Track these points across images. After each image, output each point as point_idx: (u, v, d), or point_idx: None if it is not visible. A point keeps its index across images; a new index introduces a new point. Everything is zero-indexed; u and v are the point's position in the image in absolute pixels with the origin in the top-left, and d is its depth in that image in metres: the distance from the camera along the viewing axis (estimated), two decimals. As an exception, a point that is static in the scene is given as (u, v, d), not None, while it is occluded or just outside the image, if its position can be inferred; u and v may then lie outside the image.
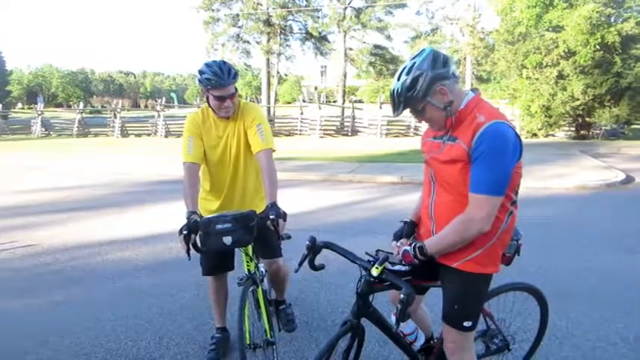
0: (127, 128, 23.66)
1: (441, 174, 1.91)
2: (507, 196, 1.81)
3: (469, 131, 1.77)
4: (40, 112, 24.68)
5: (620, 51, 16.05)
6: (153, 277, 4.44)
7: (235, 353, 2.95)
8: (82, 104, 27.55)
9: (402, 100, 1.81)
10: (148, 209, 7.37)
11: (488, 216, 1.75)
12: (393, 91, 1.83)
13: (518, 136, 1.78)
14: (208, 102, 2.63)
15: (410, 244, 1.91)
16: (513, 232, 2.04)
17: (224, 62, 2.58)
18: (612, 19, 16.85)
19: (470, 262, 1.88)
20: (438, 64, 1.77)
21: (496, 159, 1.71)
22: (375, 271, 1.83)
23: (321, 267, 2.03)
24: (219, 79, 2.49)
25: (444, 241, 1.84)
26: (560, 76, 17.05)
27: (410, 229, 2.16)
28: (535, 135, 18.44)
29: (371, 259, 1.91)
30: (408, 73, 1.78)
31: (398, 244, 2.03)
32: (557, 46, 16.61)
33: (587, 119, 18.24)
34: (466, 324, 1.94)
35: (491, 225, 1.81)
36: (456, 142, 1.82)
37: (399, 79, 1.80)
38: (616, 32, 15.63)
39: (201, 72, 2.54)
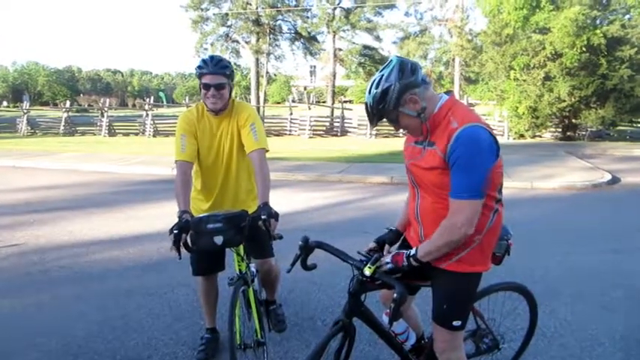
0: (115, 127, 23.39)
1: (421, 179, 1.93)
2: (490, 195, 1.83)
3: (444, 137, 1.79)
4: (25, 111, 24.29)
5: (606, 53, 16.27)
6: (141, 277, 4.40)
7: (225, 354, 2.93)
8: (68, 103, 27.20)
9: (375, 112, 1.84)
10: (137, 209, 7.30)
11: (469, 220, 1.76)
12: (366, 104, 1.85)
13: (493, 137, 1.79)
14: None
15: (398, 253, 1.91)
16: (503, 231, 2.06)
17: (220, 58, 2.68)
18: (598, 22, 17.08)
19: (458, 261, 1.89)
20: (406, 74, 1.78)
21: (471, 163, 1.73)
22: (367, 271, 1.84)
23: (313, 267, 2.03)
24: (206, 65, 2.58)
25: (432, 248, 1.84)
26: (547, 77, 17.24)
27: (394, 238, 2.18)
28: (522, 136, 18.63)
29: (363, 258, 1.91)
30: (377, 87, 1.79)
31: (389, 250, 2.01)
32: (544, 48, 16.79)
33: (573, 120, 18.47)
34: (455, 323, 1.95)
35: (477, 224, 1.82)
36: (433, 147, 1.84)
37: (369, 93, 1.82)
38: (601, 34, 15.84)
39: (197, 65, 2.65)
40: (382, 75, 1.79)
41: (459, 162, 1.73)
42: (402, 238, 2.23)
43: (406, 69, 1.78)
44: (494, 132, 1.84)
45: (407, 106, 1.80)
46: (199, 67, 2.61)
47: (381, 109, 1.81)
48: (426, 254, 1.85)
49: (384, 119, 1.87)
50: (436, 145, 1.81)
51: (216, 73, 2.57)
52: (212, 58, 2.64)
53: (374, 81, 1.82)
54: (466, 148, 1.73)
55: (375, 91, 1.80)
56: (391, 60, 1.83)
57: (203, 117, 2.73)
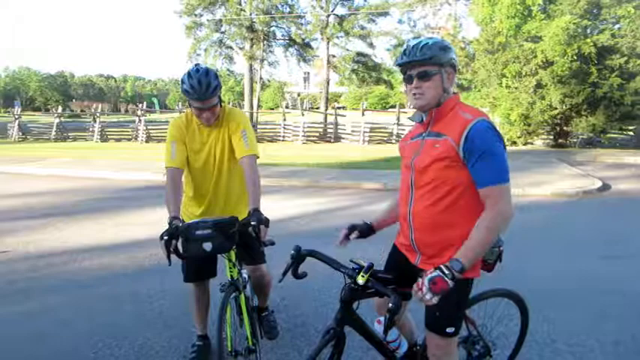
0: (107, 133, 23.28)
1: (423, 175, 1.91)
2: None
3: (455, 127, 1.82)
4: (17, 116, 24.10)
5: (596, 62, 16.48)
6: (132, 284, 4.36)
7: (216, 361, 2.91)
8: (60, 108, 27.02)
9: (425, 51, 1.85)
10: (127, 215, 7.25)
11: (510, 202, 1.80)
12: (420, 42, 1.88)
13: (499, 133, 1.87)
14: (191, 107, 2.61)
15: (433, 270, 1.72)
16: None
17: (207, 74, 2.49)
18: (588, 31, 17.32)
19: None
20: (456, 59, 1.94)
21: (496, 150, 1.79)
22: (361, 280, 1.83)
23: (304, 275, 2.02)
24: (196, 93, 2.46)
25: (479, 247, 1.76)
26: (539, 85, 17.41)
27: (366, 230, 2.23)
28: (514, 143, 18.78)
29: (355, 266, 1.90)
30: (443, 40, 1.91)
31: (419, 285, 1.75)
32: (535, 56, 16.97)
33: (564, 128, 18.67)
34: (449, 330, 1.95)
35: (470, 227, 1.82)
36: (442, 137, 1.85)
37: (431, 39, 1.90)
38: (592, 43, 16.06)
39: (182, 81, 2.52)
40: (446, 40, 1.96)
41: (485, 150, 1.77)
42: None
43: (457, 57, 1.95)
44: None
45: (446, 75, 1.89)
46: (187, 91, 2.48)
47: (434, 55, 1.85)
48: (468, 253, 1.75)
49: (414, 69, 1.88)
50: (447, 135, 1.84)
51: (210, 98, 2.51)
52: (200, 82, 2.45)
53: (440, 38, 1.95)
54: (488, 137, 1.79)
55: (443, 41, 1.90)
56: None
57: (192, 123, 2.71)
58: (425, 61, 1.85)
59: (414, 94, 1.91)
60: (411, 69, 1.90)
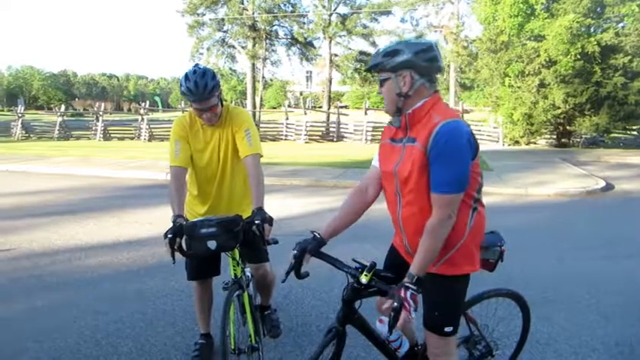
0: (110, 131, 23.35)
1: (406, 185, 1.87)
2: (467, 193, 1.82)
3: (425, 131, 1.78)
4: (20, 115, 24.19)
5: (600, 61, 16.41)
6: (135, 283, 4.37)
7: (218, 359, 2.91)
8: (63, 107, 27.12)
9: (377, 60, 1.86)
10: (131, 213, 7.27)
11: (454, 212, 1.78)
12: (379, 49, 1.91)
13: (472, 135, 1.80)
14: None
15: (402, 289, 1.73)
16: (496, 237, 2.06)
17: (203, 75, 2.47)
18: (592, 30, 17.23)
19: (444, 264, 1.88)
20: (424, 57, 1.80)
21: (453, 156, 1.73)
22: (364, 279, 1.82)
23: (306, 275, 2.01)
24: (193, 95, 2.47)
25: (427, 256, 1.78)
26: (542, 84, 17.35)
27: (316, 247, 2.01)
28: (517, 142, 18.73)
29: (358, 266, 1.90)
30: (397, 44, 1.85)
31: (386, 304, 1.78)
32: (538, 55, 16.91)
33: (567, 127, 18.60)
34: (447, 329, 1.94)
35: (457, 225, 1.81)
36: (416, 143, 1.82)
37: (390, 44, 1.89)
38: (595, 42, 15.98)
39: (180, 83, 2.53)
40: (409, 40, 1.88)
41: (442, 154, 1.73)
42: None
43: (428, 55, 1.80)
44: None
45: (397, 79, 1.83)
46: (184, 93, 2.50)
47: (381, 62, 1.84)
48: (422, 266, 1.77)
49: (377, 74, 1.91)
50: (417, 140, 1.80)
51: (208, 99, 2.51)
52: (197, 84, 2.44)
53: (403, 40, 1.91)
54: (448, 142, 1.72)
55: (392, 45, 1.86)
56: (431, 41, 1.91)
57: (196, 123, 2.71)
58: (375, 69, 1.88)
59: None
60: None
